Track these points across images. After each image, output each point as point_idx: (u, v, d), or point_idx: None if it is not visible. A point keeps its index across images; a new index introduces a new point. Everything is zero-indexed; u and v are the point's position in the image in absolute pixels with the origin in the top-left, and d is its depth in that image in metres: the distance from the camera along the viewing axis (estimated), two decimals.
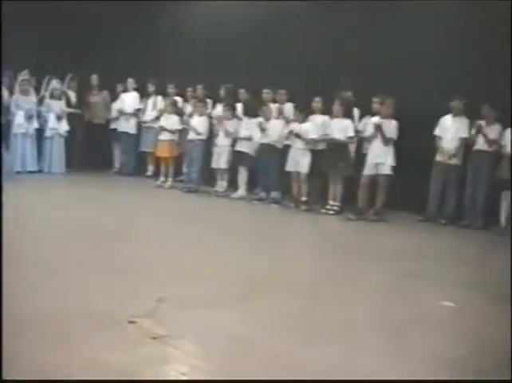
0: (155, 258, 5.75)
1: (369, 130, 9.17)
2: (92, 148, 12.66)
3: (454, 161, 8.98)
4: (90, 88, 13.39)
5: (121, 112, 12.70)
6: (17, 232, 6.57)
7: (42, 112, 12.56)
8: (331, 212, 9.22)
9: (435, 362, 3.67)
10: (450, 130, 9.02)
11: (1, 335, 3.49)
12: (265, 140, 10.09)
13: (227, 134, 10.57)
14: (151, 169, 12.50)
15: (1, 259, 4.63)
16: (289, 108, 10.30)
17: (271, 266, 5.74)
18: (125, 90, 12.90)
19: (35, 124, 12.36)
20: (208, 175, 10.98)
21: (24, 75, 12.51)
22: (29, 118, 12.23)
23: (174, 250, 6.24)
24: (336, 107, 9.36)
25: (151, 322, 3.92)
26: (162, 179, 11.47)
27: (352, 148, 9.48)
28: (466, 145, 8.99)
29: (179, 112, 11.62)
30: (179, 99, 11.94)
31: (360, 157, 9.37)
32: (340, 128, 9.27)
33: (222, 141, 10.67)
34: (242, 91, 10.91)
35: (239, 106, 10.86)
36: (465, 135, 8.95)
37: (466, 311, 4.81)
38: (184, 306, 4.30)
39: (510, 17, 8.65)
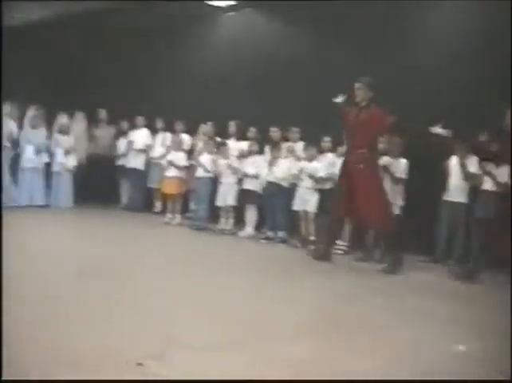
0: (163, 298, 5.68)
1: None
2: (98, 183, 12.74)
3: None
4: (97, 121, 13.58)
5: (130, 149, 12.79)
6: (19, 268, 6.57)
7: (50, 146, 12.63)
8: (339, 252, 9.14)
9: None
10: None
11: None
12: (271, 179, 10.09)
13: (234, 171, 10.57)
14: (158, 205, 12.54)
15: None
16: (299, 146, 10.28)
17: (276, 307, 5.68)
18: (133, 127, 13.01)
19: (44, 159, 12.43)
20: (213, 213, 10.94)
21: (34, 110, 12.65)
22: (38, 152, 12.30)
23: (183, 289, 6.17)
24: None
25: (160, 365, 3.85)
26: (169, 215, 11.46)
27: None
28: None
29: (187, 150, 11.67)
30: (186, 136, 11.99)
31: None
32: None
33: (228, 179, 10.66)
34: (252, 129, 10.92)
35: (246, 144, 10.88)
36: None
37: None
38: (193, 348, 4.23)
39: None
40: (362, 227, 8.84)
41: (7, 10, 12.81)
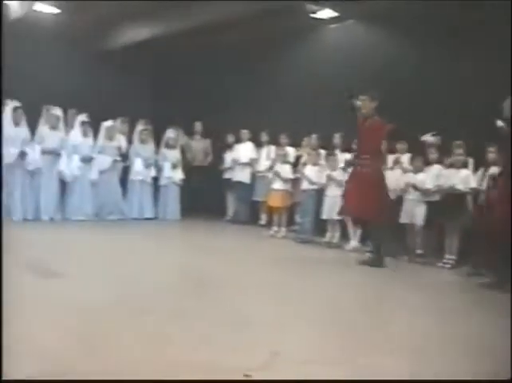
0: (268, 310, 5.69)
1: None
2: (205, 196, 12.98)
3: None
4: (193, 134, 13.94)
5: (236, 162, 12.95)
6: (125, 277, 6.75)
7: (158, 160, 12.98)
8: (447, 266, 8.92)
9: None
10: None
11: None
12: None
13: (339, 184, 10.47)
14: (264, 218, 12.62)
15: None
16: (406, 158, 10.07)
17: (379, 319, 5.60)
18: (238, 140, 13.18)
19: (152, 172, 12.77)
20: (319, 226, 10.89)
21: (142, 125, 13.03)
22: (147, 166, 12.65)
23: (288, 301, 6.16)
24: (457, 157, 9.12)
25: (266, 376, 3.84)
26: (275, 228, 11.48)
27: (469, 199, 9.17)
28: None
29: (292, 162, 11.69)
30: (291, 149, 12.01)
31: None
32: (461, 179, 9.01)
33: (333, 191, 10.57)
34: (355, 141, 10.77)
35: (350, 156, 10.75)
36: None
37: None
38: (298, 360, 4.21)
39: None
40: (362, 226, 9.39)
41: (112, 33, 13.36)
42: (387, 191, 8.92)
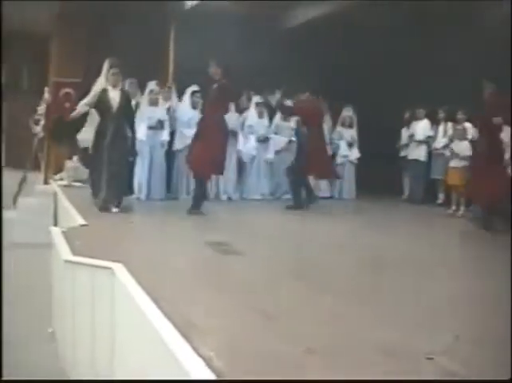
0: (450, 292, 5.52)
1: None
2: (381, 174, 12.85)
3: None
4: None
5: (412, 140, 12.72)
6: (302, 255, 6.79)
7: (334, 139, 13.00)
8: None
9: None
10: None
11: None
12: None
13: None
14: (441, 197, 12.30)
15: None
16: None
17: None
18: (414, 118, 12.91)
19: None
20: None
21: None
22: None
23: (467, 283, 5.94)
24: None
25: (449, 360, 3.71)
26: (453, 207, 11.14)
27: None
28: None
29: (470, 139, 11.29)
30: (469, 125, 11.59)
31: None
32: None
33: None
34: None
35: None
36: None
37: None
38: (478, 345, 4.03)
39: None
40: None
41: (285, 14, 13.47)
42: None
